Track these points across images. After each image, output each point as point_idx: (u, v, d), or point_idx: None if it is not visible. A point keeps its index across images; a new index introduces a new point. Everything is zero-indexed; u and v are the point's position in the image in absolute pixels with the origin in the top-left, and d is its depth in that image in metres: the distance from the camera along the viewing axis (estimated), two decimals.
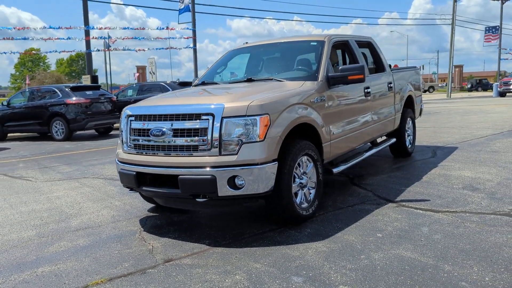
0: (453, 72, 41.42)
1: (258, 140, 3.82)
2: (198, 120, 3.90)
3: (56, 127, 13.72)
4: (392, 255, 3.40)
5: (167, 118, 4.05)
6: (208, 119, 3.86)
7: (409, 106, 7.44)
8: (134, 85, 18.92)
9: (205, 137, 3.85)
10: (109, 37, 30.15)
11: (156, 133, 4.05)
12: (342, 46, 5.84)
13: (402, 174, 6.12)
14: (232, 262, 3.46)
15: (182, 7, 19.75)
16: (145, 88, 17.05)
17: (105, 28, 29.04)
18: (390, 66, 6.79)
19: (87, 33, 25.40)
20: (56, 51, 28.76)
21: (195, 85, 5.59)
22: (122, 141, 4.45)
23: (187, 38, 20.33)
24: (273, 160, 3.91)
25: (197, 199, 3.96)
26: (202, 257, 3.60)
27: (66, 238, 4.31)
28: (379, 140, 6.83)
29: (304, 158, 4.30)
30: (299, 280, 3.08)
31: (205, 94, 4.69)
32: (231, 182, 3.79)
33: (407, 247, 3.53)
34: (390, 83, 6.40)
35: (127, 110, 4.47)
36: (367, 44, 6.54)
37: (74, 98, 13.56)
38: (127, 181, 4.33)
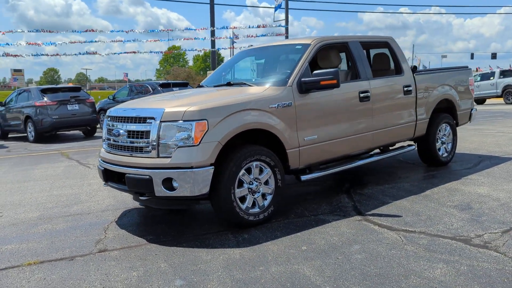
0: None
1: (193, 144, 3.97)
2: (143, 124, 4.19)
3: (29, 128, 13.86)
4: (290, 270, 3.32)
5: (124, 121, 4.41)
6: (151, 122, 4.13)
7: (446, 111, 6.78)
8: (127, 86, 18.97)
9: (148, 140, 4.12)
10: (235, 35, 32.06)
11: (115, 134, 4.44)
12: (343, 48, 5.59)
13: (408, 185, 5.67)
14: (145, 259, 3.69)
15: (278, 4, 20.06)
16: (134, 89, 16.95)
17: (233, 28, 30.86)
18: (416, 67, 6.26)
19: (212, 33, 27.86)
20: (193, 49, 32.32)
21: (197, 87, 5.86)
22: (103, 139, 4.93)
23: (278, 35, 20.59)
24: (211, 165, 4.03)
25: (140, 197, 4.26)
26: (131, 251, 3.89)
27: (54, 221, 4.93)
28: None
29: (256, 163, 4.31)
30: (179, 283, 3.20)
31: (167, 98, 4.93)
32: (166, 183, 4.01)
33: (315, 264, 3.40)
34: (409, 86, 5.93)
35: (107, 111, 4.93)
36: (384, 45, 6.14)
37: (41, 100, 13.45)
38: (100, 175, 4.80)
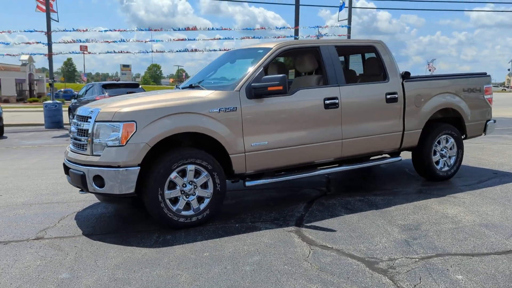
0: None
1: (120, 144, 4.15)
2: (85, 122, 4.45)
3: None
4: (169, 275, 3.37)
5: (78, 119, 4.70)
6: (90, 121, 4.38)
7: (450, 121, 6.24)
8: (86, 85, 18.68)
9: (86, 138, 4.38)
10: (320, 34, 32.06)
11: (71, 130, 4.75)
12: (314, 52, 5.39)
13: (380, 199, 5.34)
14: (62, 249, 3.95)
15: (342, 3, 19.51)
16: (87, 89, 16.91)
17: (317, 27, 30.86)
18: (408, 73, 5.83)
19: (296, 32, 28.18)
20: None
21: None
22: None
23: (340, 35, 19.98)
24: (138, 165, 4.18)
25: (80, 192, 4.53)
26: (58, 241, 4.17)
27: (30, 207, 5.40)
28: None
29: (191, 166, 4.38)
30: (64, 276, 3.40)
31: (118, 99, 5.12)
32: (97, 180, 4.23)
33: (197, 271, 3.41)
34: (393, 93, 5.56)
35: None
36: (370, 49, 5.80)
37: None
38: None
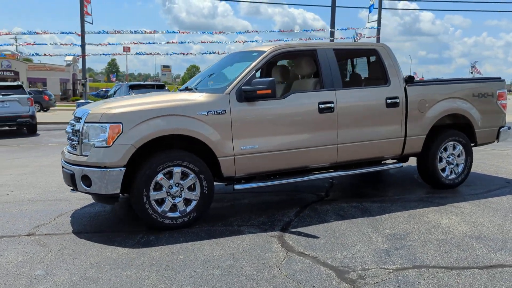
0: None
1: (106, 145, 4.24)
2: (78, 123, 4.58)
3: None
4: (139, 276, 3.42)
5: (74, 120, 4.83)
6: (81, 122, 4.49)
7: (460, 127, 6.02)
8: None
9: (77, 138, 4.50)
10: (357, 35, 31.74)
11: (67, 131, 4.89)
12: (311, 56, 5.32)
13: (377, 206, 5.20)
14: (47, 247, 4.07)
15: (371, 4, 19.12)
16: (116, 89, 16.78)
17: (351, 29, 30.68)
18: (412, 77, 5.66)
19: (332, 34, 28.07)
20: None
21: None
22: None
23: (362, 36, 19.57)
24: (124, 166, 4.25)
25: (71, 191, 4.65)
26: (47, 238, 4.30)
27: (34, 204, 5.59)
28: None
29: (177, 169, 4.42)
30: (39, 273, 3.50)
31: (111, 100, 5.20)
32: (85, 180, 4.34)
33: (166, 274, 3.44)
34: (394, 98, 5.41)
35: None
36: (372, 53, 5.67)
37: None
38: None
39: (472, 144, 6.17)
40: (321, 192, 5.96)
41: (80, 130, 4.41)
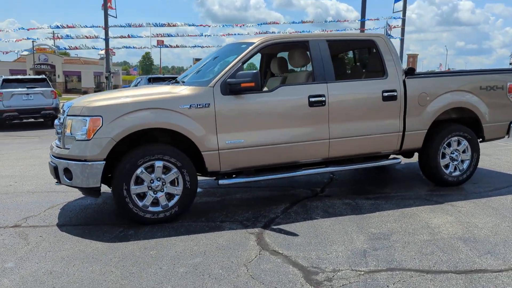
0: None
1: (86, 139, 4.22)
2: (62, 116, 4.59)
3: None
4: (103, 271, 3.39)
5: (62, 113, 4.85)
6: (64, 115, 4.50)
7: (467, 122, 5.72)
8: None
9: (60, 131, 4.51)
10: (389, 26, 31.06)
11: (55, 124, 4.91)
12: (303, 47, 5.14)
13: (369, 203, 5.00)
14: (27, 239, 4.11)
15: None
16: (137, 82, 16.67)
17: (376, 19, 29.94)
18: (412, 69, 5.40)
19: (362, 24, 27.60)
20: None
21: None
22: None
23: (393, 27, 18.90)
24: (104, 160, 4.24)
25: (56, 183, 4.67)
26: (31, 230, 4.35)
27: (31, 195, 5.68)
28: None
29: (159, 163, 4.37)
30: (9, 266, 3.53)
31: (97, 94, 5.17)
32: (67, 173, 4.35)
33: (131, 270, 3.40)
34: (391, 91, 5.17)
35: None
36: (370, 44, 5.43)
37: None
38: None
39: (479, 140, 5.85)
40: (317, 188, 5.79)
41: (63, 123, 4.42)
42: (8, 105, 14.58)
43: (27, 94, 14.93)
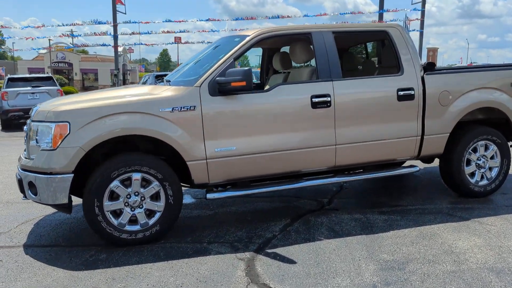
0: None
1: (51, 148, 3.66)
2: (29, 121, 4.04)
3: None
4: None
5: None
6: (29, 121, 3.96)
7: (496, 124, 5.00)
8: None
9: (26, 139, 3.96)
10: (407, 19, 30.20)
11: (24, 130, 4.36)
12: (307, 41, 4.49)
13: (382, 220, 4.34)
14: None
15: None
16: (145, 80, 16.35)
17: (395, 10, 29.11)
18: (432, 64, 4.70)
19: (380, 16, 26.79)
20: None
21: None
22: None
23: (412, 20, 17.97)
24: (72, 172, 3.67)
25: (22, 198, 4.12)
26: (3, 252, 3.82)
27: (9, 207, 5.17)
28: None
29: (137, 175, 3.78)
30: None
31: (70, 96, 4.61)
32: (32, 187, 3.80)
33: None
34: (408, 89, 4.48)
35: None
36: (382, 36, 4.75)
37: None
38: None
39: (510, 144, 5.13)
40: (324, 199, 5.15)
41: (27, 130, 3.87)
42: (13, 104, 14.25)
43: (33, 93, 14.58)
